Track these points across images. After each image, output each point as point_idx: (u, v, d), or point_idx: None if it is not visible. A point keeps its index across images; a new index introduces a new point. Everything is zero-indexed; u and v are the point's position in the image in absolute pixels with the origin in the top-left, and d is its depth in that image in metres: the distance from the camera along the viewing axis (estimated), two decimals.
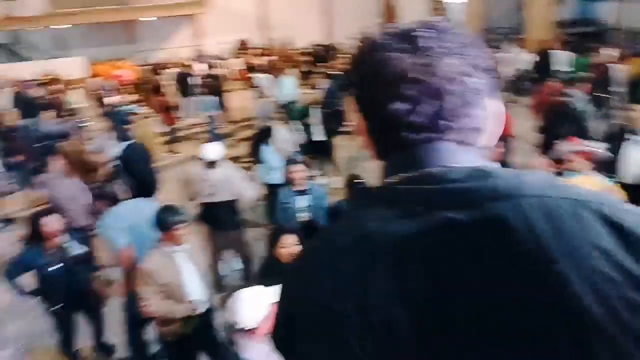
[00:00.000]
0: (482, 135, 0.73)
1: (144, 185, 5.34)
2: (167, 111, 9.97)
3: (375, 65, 0.71)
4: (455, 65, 0.68)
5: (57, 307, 3.77)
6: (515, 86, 12.54)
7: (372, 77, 0.72)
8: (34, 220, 3.67)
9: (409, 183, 0.67)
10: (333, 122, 7.73)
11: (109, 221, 3.72)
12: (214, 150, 4.84)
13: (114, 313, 4.07)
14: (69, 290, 3.71)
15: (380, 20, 24.34)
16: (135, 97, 13.62)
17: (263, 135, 6.20)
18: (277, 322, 0.77)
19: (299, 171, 4.47)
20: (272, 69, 10.86)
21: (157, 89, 10.32)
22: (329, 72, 10.73)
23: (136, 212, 3.63)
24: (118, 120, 7.92)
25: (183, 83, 12.64)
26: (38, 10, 21.81)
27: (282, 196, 4.45)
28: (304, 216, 4.46)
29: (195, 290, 3.31)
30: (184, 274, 3.26)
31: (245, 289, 2.24)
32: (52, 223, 3.61)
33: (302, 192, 4.45)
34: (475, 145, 0.72)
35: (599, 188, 3.02)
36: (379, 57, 0.71)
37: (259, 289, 2.20)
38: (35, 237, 3.64)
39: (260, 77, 10.84)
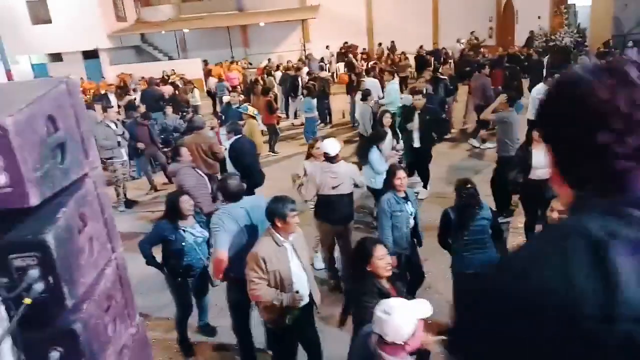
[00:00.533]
0: None
1: (250, 178, 5.58)
2: (271, 111, 10.39)
3: (581, 98, 0.75)
4: None
5: (178, 280, 4.09)
6: None
7: (578, 110, 0.75)
8: (171, 200, 4.09)
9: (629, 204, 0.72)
10: (435, 129, 7.49)
11: (222, 219, 3.70)
12: (334, 145, 4.97)
13: (222, 297, 4.26)
14: (189, 267, 4.06)
15: (492, 24, 23.22)
16: (243, 97, 14.43)
17: (375, 139, 6.21)
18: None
19: (403, 177, 4.41)
20: (379, 73, 10.83)
21: (265, 91, 10.80)
22: (434, 77, 10.44)
23: (255, 210, 3.70)
24: (232, 116, 8.37)
25: (290, 85, 13.10)
26: (166, 15, 24.09)
27: (390, 203, 4.35)
28: (411, 222, 4.42)
29: (301, 282, 3.34)
30: (292, 264, 3.31)
31: (393, 299, 2.20)
32: (187, 202, 4.08)
33: (406, 199, 4.40)
34: None
35: None
36: (585, 90, 0.75)
37: (403, 302, 2.13)
38: (170, 215, 4.07)
39: (367, 81, 10.86)
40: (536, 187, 4.96)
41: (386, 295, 2.79)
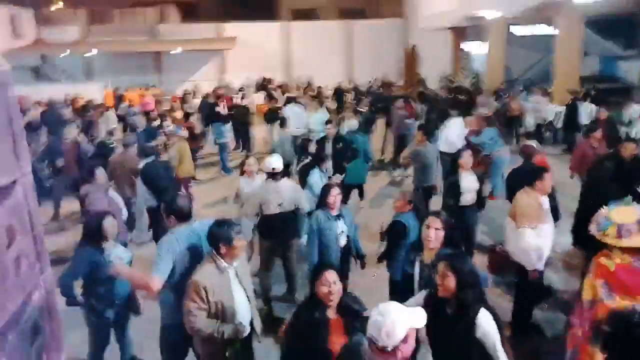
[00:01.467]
0: None
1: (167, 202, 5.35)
2: (193, 138, 10.08)
3: None
4: None
5: (101, 314, 3.68)
6: (540, 136, 12.59)
7: None
8: (95, 220, 3.72)
9: None
10: (345, 156, 7.61)
11: (171, 241, 3.33)
12: (278, 161, 4.86)
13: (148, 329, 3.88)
14: (116, 295, 3.69)
15: (401, 65, 24.89)
16: (158, 122, 13.84)
17: (317, 160, 6.17)
18: None
19: (337, 194, 4.39)
20: (307, 103, 11.04)
21: (187, 116, 10.50)
22: (354, 109, 10.84)
23: (193, 234, 3.40)
24: (144, 139, 7.96)
25: (208, 112, 12.78)
26: (72, 36, 22.61)
27: (319, 220, 4.30)
28: (343, 240, 4.42)
29: (244, 311, 3.14)
30: (235, 292, 3.09)
31: (387, 303, 2.05)
32: (112, 225, 3.75)
33: (338, 217, 4.39)
34: None
35: None
36: None
37: (399, 306, 2.02)
38: (93, 238, 3.67)
39: (288, 110, 10.97)
40: (465, 211, 5.44)
41: (323, 326, 2.64)
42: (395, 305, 2.02)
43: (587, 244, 4.49)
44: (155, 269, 3.21)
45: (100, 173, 5.28)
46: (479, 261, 5.65)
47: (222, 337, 2.99)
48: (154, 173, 5.99)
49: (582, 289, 3.18)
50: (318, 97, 14.04)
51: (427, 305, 2.66)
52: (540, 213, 4.27)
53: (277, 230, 4.82)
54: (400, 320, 1.96)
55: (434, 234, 3.25)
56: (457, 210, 5.35)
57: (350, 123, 7.62)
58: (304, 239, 6.24)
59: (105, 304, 3.66)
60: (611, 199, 4.43)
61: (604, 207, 3.24)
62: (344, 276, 4.42)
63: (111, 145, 8.19)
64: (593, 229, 3.10)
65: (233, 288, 3.09)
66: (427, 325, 2.21)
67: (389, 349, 1.92)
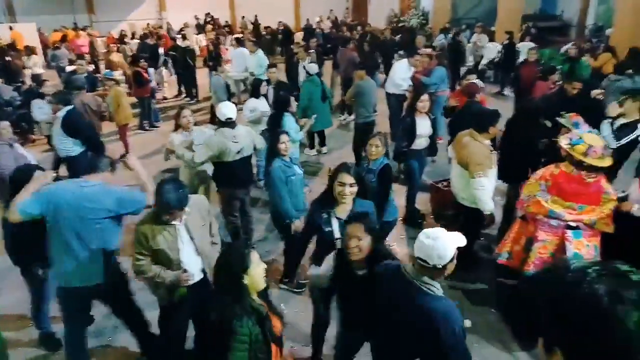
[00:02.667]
0: None
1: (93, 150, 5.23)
2: (140, 83, 9.56)
3: None
4: None
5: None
6: (481, 74, 12.92)
7: None
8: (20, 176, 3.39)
9: None
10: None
11: (45, 191, 3.11)
12: (232, 108, 4.77)
13: None
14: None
15: (348, 5, 24.28)
16: (92, 66, 12.99)
17: (282, 105, 5.98)
18: None
19: (287, 141, 4.45)
20: (247, 45, 10.55)
21: (134, 59, 9.85)
22: (296, 51, 10.58)
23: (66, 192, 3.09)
24: (72, 86, 7.48)
25: (150, 55, 12.09)
26: None
27: (283, 169, 4.28)
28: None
29: (192, 262, 3.16)
30: (181, 243, 3.10)
31: (434, 228, 2.29)
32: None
33: (291, 162, 4.48)
34: None
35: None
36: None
37: (444, 230, 2.27)
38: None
39: (234, 51, 10.56)
40: (418, 154, 5.54)
41: (260, 317, 2.32)
42: (441, 229, 2.31)
43: (511, 178, 4.87)
44: (22, 203, 3.02)
45: (5, 126, 4.86)
46: (421, 198, 5.94)
47: (163, 282, 3.08)
48: (77, 123, 5.76)
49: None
50: (259, 39, 13.51)
51: (338, 267, 2.76)
52: (491, 158, 4.38)
53: (237, 178, 4.85)
54: (450, 242, 2.24)
55: (349, 190, 3.15)
56: (409, 154, 5.49)
57: (311, 66, 7.40)
58: (261, 183, 6.38)
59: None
60: (539, 134, 4.76)
61: (575, 129, 3.84)
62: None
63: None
64: (563, 142, 3.55)
65: (180, 240, 3.10)
66: (337, 288, 2.40)
67: (439, 267, 2.25)
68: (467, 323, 3.98)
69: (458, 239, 2.29)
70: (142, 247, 3.03)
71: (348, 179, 3.14)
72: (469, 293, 4.44)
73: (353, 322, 2.85)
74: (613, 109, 4.90)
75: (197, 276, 3.24)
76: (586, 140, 3.45)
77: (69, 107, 5.70)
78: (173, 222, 3.06)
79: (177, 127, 5.23)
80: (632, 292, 0.81)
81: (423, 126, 5.49)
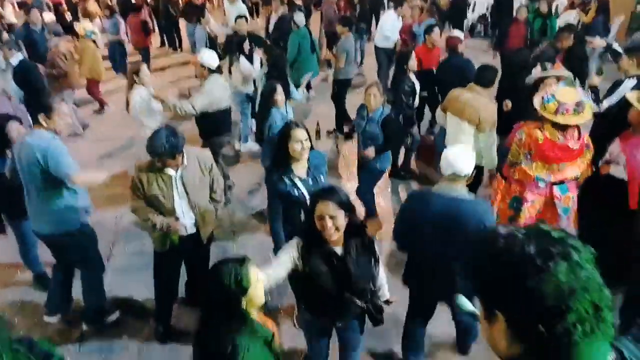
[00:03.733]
0: None
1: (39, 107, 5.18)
2: (146, 32, 9.27)
3: None
4: None
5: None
6: (471, 29, 12.77)
7: None
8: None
9: None
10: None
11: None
12: (215, 57, 4.75)
13: None
14: None
15: None
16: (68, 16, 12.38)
17: (281, 71, 5.67)
18: None
19: (282, 92, 4.48)
20: None
21: (136, 7, 9.53)
22: (289, 2, 10.23)
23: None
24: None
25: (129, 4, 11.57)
26: None
27: (283, 116, 4.33)
28: None
29: (185, 214, 3.21)
30: (175, 194, 3.14)
31: (455, 145, 2.73)
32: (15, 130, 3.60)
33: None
34: None
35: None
36: None
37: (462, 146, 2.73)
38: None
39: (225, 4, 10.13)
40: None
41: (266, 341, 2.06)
42: (462, 146, 2.85)
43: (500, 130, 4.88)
44: None
45: None
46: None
47: (154, 227, 3.15)
48: (31, 74, 5.67)
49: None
50: None
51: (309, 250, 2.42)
52: (495, 112, 4.34)
53: (224, 126, 4.96)
54: (468, 154, 2.72)
55: (307, 145, 3.14)
56: (411, 112, 5.41)
57: (299, 18, 7.20)
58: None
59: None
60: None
61: (553, 85, 3.77)
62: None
63: None
64: (536, 102, 3.50)
65: (174, 190, 3.14)
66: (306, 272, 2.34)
67: (466, 175, 2.71)
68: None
69: (471, 154, 2.76)
70: (138, 190, 3.11)
71: (302, 134, 3.12)
72: None
73: (323, 304, 2.52)
74: (595, 79, 4.80)
75: (190, 229, 3.29)
76: (557, 96, 3.37)
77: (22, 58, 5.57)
78: (168, 172, 3.08)
79: (132, 83, 4.83)
80: (557, 247, 0.90)
81: (416, 84, 5.46)
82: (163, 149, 2.93)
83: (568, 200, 3.64)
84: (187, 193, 3.17)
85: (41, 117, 3.16)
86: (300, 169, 3.19)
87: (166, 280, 3.50)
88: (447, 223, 2.62)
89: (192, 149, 3.30)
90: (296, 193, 3.14)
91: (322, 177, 3.27)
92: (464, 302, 1.67)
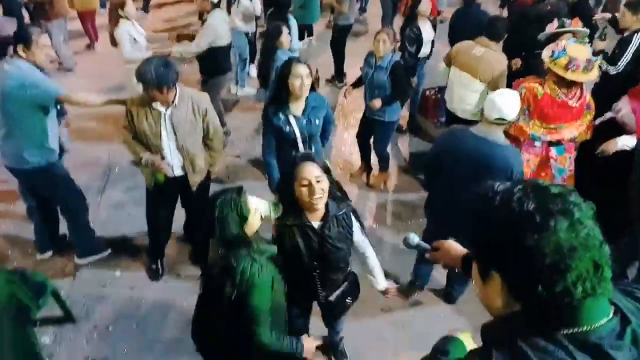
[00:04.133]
0: None
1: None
2: None
3: None
4: None
5: None
6: None
7: None
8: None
9: None
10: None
11: None
12: None
13: None
14: None
15: None
16: None
17: (283, 8, 5.55)
18: None
19: (288, 33, 4.39)
20: None
21: None
22: None
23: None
24: None
25: None
26: None
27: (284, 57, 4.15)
28: None
29: (173, 155, 3.13)
30: (164, 131, 3.04)
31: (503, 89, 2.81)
32: None
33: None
34: None
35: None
36: None
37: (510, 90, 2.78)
38: None
39: None
40: (421, 63, 5.36)
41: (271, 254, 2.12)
42: (509, 90, 2.95)
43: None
44: None
45: None
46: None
47: (140, 162, 3.12)
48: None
49: None
50: None
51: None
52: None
53: (226, 64, 4.93)
54: (513, 100, 2.77)
55: (307, 81, 3.05)
56: (412, 61, 5.21)
57: None
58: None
59: None
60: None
61: (564, 40, 3.59)
62: None
63: None
64: (545, 55, 3.40)
65: (162, 129, 3.06)
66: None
67: (508, 121, 2.78)
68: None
69: (517, 98, 2.81)
70: (128, 123, 3.06)
71: (304, 69, 3.02)
72: None
73: (299, 280, 2.35)
74: (599, 43, 4.64)
75: (177, 171, 3.22)
76: (569, 52, 3.28)
77: None
78: (157, 107, 2.99)
79: (118, 18, 4.64)
80: (557, 203, 0.85)
81: (426, 32, 5.18)
82: (151, 77, 2.79)
83: (564, 161, 3.60)
84: (175, 134, 3.08)
85: (19, 48, 3.02)
86: (297, 107, 3.13)
87: (158, 218, 3.50)
88: (476, 163, 2.70)
89: (187, 89, 3.17)
90: (287, 129, 3.11)
91: (317, 120, 3.19)
92: (412, 237, 1.70)
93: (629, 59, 4.28)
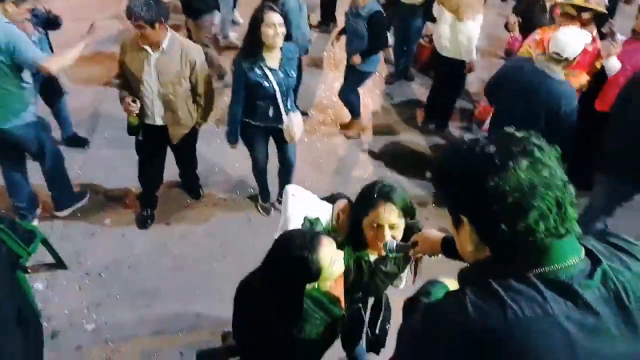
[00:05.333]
0: None
1: None
2: None
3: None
4: None
5: None
6: None
7: None
8: None
9: None
10: None
11: None
12: None
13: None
14: None
15: None
16: None
17: None
18: None
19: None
20: None
21: None
22: None
23: None
24: None
25: None
26: None
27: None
28: None
29: (151, 99, 3.07)
30: (147, 74, 2.97)
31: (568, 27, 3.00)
32: None
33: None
34: None
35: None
36: None
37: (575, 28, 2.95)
38: None
39: None
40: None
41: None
42: (575, 28, 3.08)
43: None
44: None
45: None
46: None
47: (122, 102, 3.09)
48: None
49: None
50: None
51: None
52: (481, 2, 4.18)
53: (210, 2, 4.78)
54: (581, 39, 2.90)
55: (280, 30, 2.90)
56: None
57: None
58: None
59: None
60: None
61: None
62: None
63: None
64: None
65: (146, 72, 2.98)
66: None
67: (569, 59, 2.90)
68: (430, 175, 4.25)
69: (585, 37, 2.95)
70: (121, 57, 3.03)
71: (276, 17, 2.85)
72: (437, 149, 4.66)
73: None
74: None
75: (158, 120, 3.16)
76: None
77: None
78: (146, 47, 2.91)
79: None
80: (519, 145, 0.89)
81: None
82: (140, 10, 2.70)
83: None
84: (159, 80, 2.99)
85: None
86: (272, 58, 2.98)
87: (146, 167, 3.47)
88: (531, 91, 2.96)
89: (180, 37, 3.06)
90: (266, 84, 2.99)
91: (293, 72, 3.09)
92: (390, 243, 1.64)
93: None
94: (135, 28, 2.82)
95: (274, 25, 2.84)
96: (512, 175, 0.85)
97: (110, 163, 4.12)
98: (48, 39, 3.71)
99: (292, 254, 1.55)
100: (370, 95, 5.36)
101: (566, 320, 0.84)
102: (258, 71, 2.96)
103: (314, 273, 1.57)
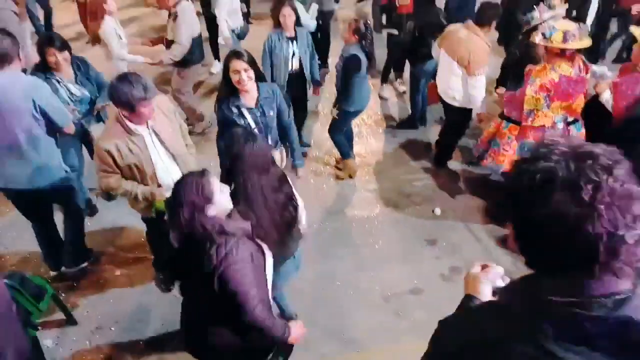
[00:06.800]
0: None
1: None
2: None
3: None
4: None
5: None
6: None
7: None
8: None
9: None
10: None
11: None
12: None
13: None
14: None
15: None
16: None
17: None
18: None
19: (288, 15, 4.19)
20: None
21: None
22: None
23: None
24: None
25: None
26: None
27: (272, 41, 4.23)
28: (294, 63, 4.36)
29: (168, 171, 2.89)
30: (153, 153, 2.81)
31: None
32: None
33: (292, 39, 4.28)
34: None
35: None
36: None
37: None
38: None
39: None
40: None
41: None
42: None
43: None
44: None
45: None
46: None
47: (136, 199, 2.88)
48: None
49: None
50: None
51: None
52: (488, 54, 4.15)
53: (198, 54, 4.98)
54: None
55: (245, 76, 2.97)
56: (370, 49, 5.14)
57: None
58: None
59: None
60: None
61: (547, 22, 3.77)
62: (299, 101, 4.54)
63: None
64: (537, 38, 3.47)
65: (150, 149, 2.81)
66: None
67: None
68: (437, 211, 4.22)
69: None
70: (106, 164, 2.73)
71: (240, 64, 2.94)
72: (441, 185, 4.65)
73: None
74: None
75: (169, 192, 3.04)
76: (558, 27, 3.38)
77: None
78: (137, 131, 2.73)
79: (102, 14, 4.65)
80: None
81: None
82: (138, 92, 2.56)
83: (582, 136, 3.65)
84: (164, 145, 2.86)
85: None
86: (249, 99, 3.08)
87: (159, 248, 3.39)
88: None
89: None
90: (242, 121, 3.06)
91: (271, 111, 3.14)
92: None
93: None
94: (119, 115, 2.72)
95: (237, 71, 2.94)
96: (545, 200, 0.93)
97: (117, 211, 4.06)
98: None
99: (189, 179, 2.00)
100: (374, 135, 5.42)
101: None
102: (234, 110, 3.05)
103: (207, 194, 1.94)
